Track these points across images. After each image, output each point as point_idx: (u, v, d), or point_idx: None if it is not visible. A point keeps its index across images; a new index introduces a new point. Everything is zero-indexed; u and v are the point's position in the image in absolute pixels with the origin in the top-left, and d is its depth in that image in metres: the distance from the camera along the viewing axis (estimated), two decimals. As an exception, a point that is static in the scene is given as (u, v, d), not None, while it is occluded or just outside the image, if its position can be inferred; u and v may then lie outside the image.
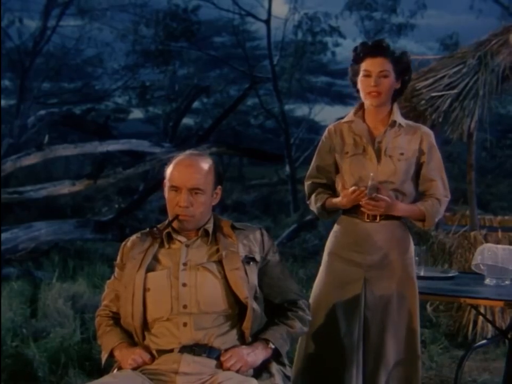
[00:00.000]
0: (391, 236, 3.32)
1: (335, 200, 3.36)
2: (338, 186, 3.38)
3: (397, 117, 3.34)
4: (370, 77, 3.26)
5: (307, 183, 3.48)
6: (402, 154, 3.29)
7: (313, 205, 3.43)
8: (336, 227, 3.43)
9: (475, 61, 5.65)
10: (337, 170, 3.41)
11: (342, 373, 3.29)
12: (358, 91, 3.36)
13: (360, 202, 3.23)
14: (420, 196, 3.38)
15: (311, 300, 3.37)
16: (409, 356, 3.33)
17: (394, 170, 3.28)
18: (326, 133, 3.45)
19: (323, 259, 3.45)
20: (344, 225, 3.39)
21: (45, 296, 5.82)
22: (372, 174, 3.22)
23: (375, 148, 3.30)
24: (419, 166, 3.35)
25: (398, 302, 3.30)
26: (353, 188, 3.23)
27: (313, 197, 3.43)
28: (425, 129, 3.42)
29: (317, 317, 3.30)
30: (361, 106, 3.39)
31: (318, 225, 10.14)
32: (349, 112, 3.46)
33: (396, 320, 3.30)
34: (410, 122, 3.45)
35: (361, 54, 3.30)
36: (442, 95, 5.55)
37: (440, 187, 3.35)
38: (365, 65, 3.28)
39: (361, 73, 3.29)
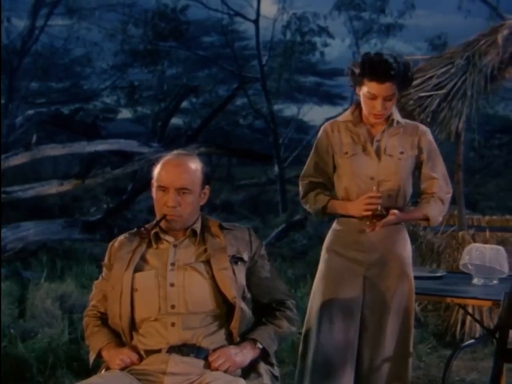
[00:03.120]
0: (389, 235, 3.32)
1: (339, 203, 3.35)
2: (338, 187, 3.38)
3: (396, 115, 3.35)
4: (375, 99, 3.20)
5: (303, 182, 3.46)
6: (402, 153, 3.30)
7: (312, 204, 3.41)
8: (335, 225, 3.42)
9: (463, 61, 5.67)
10: (334, 169, 3.40)
11: (337, 368, 3.31)
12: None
13: (367, 214, 3.22)
14: (421, 193, 3.39)
15: (311, 297, 3.40)
16: (400, 353, 3.34)
17: (395, 169, 3.29)
18: (322, 132, 3.41)
19: (322, 257, 3.44)
20: (343, 224, 3.38)
21: (33, 296, 5.81)
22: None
23: (374, 147, 3.31)
24: (418, 164, 3.36)
25: (395, 300, 3.32)
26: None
27: (311, 197, 3.41)
28: (423, 127, 3.43)
29: (316, 313, 3.32)
30: (358, 104, 3.36)
31: (306, 225, 10.15)
32: (345, 112, 3.44)
33: (393, 319, 3.31)
34: (409, 121, 3.46)
35: (366, 76, 3.20)
36: (430, 95, 5.57)
37: (442, 184, 3.36)
38: (369, 87, 3.20)
39: (365, 93, 3.22)
